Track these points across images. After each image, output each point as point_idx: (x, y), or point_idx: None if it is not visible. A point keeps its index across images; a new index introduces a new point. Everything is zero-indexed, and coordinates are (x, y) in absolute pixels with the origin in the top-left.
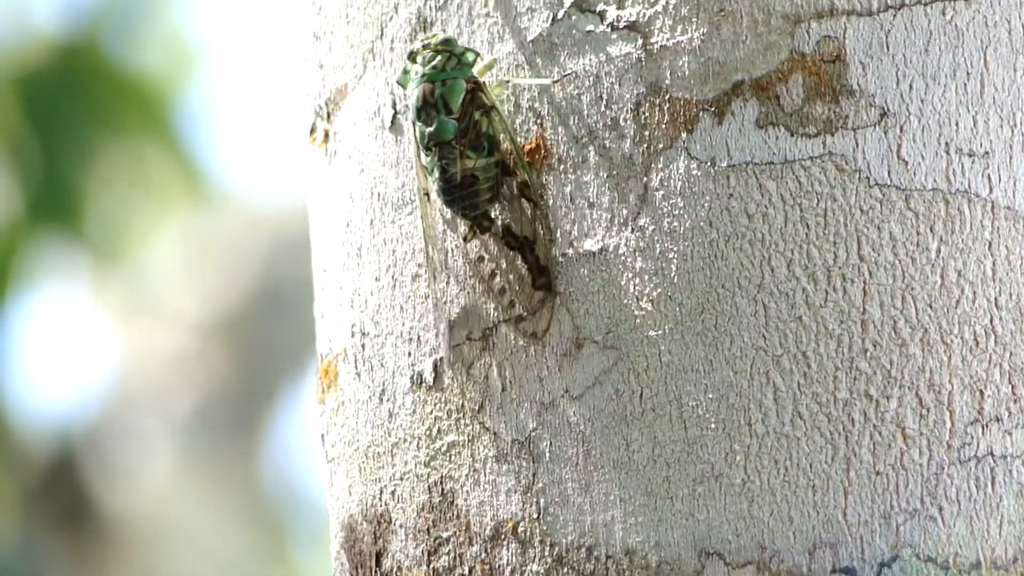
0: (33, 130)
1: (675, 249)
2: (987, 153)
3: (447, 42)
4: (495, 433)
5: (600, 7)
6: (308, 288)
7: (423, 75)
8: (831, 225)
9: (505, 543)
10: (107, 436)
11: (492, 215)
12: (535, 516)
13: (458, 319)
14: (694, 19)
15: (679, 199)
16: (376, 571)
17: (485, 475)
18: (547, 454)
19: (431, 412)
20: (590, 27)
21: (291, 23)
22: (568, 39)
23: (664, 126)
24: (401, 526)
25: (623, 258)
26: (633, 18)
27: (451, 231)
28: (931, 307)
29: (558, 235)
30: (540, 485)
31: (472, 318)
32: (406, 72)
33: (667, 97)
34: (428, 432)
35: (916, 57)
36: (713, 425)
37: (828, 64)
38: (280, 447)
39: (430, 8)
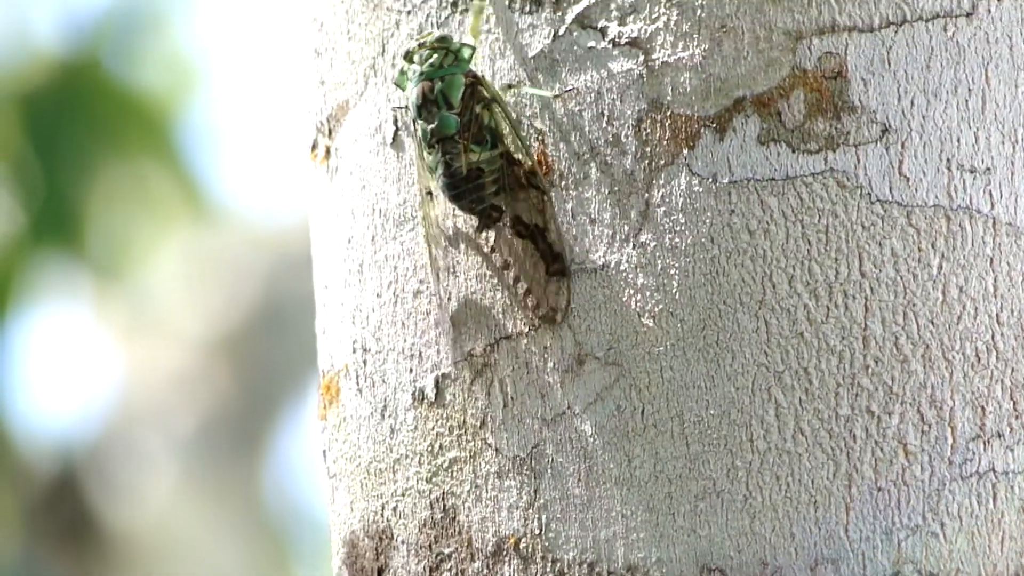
0: (34, 148)
1: (677, 265)
2: (988, 169)
3: (443, 39)
4: (497, 449)
5: (602, 23)
6: (309, 305)
7: (421, 73)
8: (833, 241)
9: (507, 559)
10: (109, 453)
11: (501, 206)
12: (537, 532)
13: (461, 322)
14: (695, 35)
15: (680, 215)
16: None
17: (487, 491)
18: (549, 470)
19: (433, 428)
20: (591, 43)
21: (292, 39)
22: (569, 55)
23: (665, 142)
24: (403, 542)
25: (625, 274)
26: (635, 34)
27: (457, 231)
28: (933, 323)
29: None
30: (542, 501)
31: (476, 324)
32: (403, 73)
33: (668, 113)
34: (430, 448)
35: (918, 73)
36: (715, 441)
37: (830, 80)
38: (282, 463)
39: (432, 24)
